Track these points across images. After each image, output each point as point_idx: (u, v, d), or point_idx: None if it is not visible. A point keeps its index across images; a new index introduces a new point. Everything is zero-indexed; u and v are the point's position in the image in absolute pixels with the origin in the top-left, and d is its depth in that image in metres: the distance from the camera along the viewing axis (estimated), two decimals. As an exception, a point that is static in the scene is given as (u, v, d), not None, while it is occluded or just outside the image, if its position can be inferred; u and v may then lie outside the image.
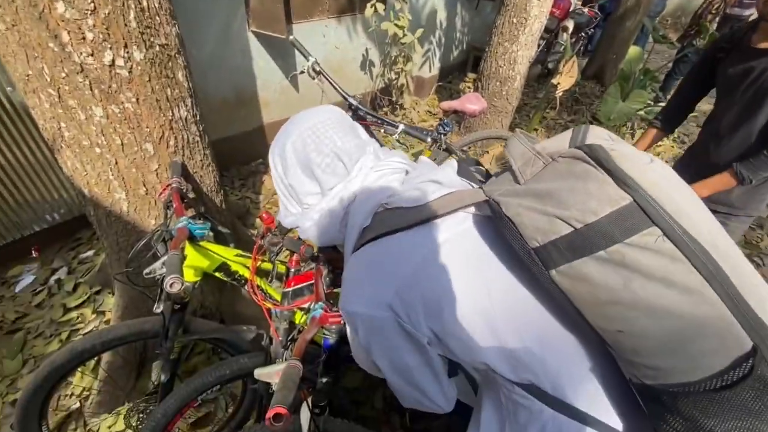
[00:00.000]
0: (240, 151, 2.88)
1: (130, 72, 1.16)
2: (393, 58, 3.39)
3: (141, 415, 1.26)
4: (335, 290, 1.37)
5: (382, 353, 0.68)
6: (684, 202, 0.51)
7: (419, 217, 0.64)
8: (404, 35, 2.99)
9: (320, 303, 0.95)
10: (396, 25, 2.94)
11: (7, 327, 1.77)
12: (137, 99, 1.21)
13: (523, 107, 4.20)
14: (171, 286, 0.75)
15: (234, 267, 1.20)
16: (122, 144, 1.25)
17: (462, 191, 0.69)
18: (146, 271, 0.89)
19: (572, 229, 0.51)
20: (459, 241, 0.64)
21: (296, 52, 2.85)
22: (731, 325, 0.46)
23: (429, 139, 1.91)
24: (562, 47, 4.37)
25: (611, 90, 2.97)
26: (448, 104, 1.90)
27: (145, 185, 1.35)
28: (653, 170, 0.52)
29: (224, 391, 1.61)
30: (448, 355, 0.68)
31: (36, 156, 1.95)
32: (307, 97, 3.14)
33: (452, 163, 0.78)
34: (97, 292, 1.89)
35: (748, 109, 1.30)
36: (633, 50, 3.99)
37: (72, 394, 1.54)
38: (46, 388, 1.08)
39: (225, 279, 1.21)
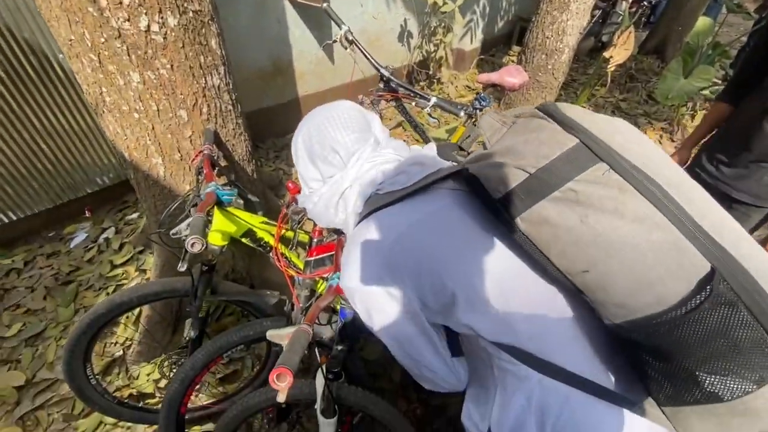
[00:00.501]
0: (275, 123, 2.91)
1: (164, 38, 1.18)
2: (432, 28, 3.25)
3: (173, 366, 1.35)
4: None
5: (383, 327, 0.71)
6: (636, 146, 0.55)
7: (403, 193, 0.71)
8: (444, 3, 2.84)
9: (338, 273, 0.96)
10: (436, -8, 2.80)
11: (62, 279, 1.95)
12: (171, 65, 1.24)
13: (570, 83, 3.93)
14: (192, 245, 0.78)
15: (259, 233, 1.23)
16: (158, 110, 1.29)
17: (442, 168, 0.76)
18: (172, 231, 0.93)
19: (527, 174, 0.55)
20: (443, 212, 0.69)
21: (332, 21, 2.82)
22: (686, 249, 0.47)
23: (462, 114, 1.83)
24: (620, 18, 4.00)
25: (672, 65, 2.70)
26: (486, 77, 1.80)
27: (179, 151, 1.40)
28: (604, 119, 0.58)
29: (250, 352, 1.70)
30: (437, 320, 0.72)
31: (87, 121, 2.08)
32: (342, 69, 3.10)
33: (431, 146, 0.88)
34: (140, 252, 2.02)
35: None
36: (702, 21, 3.57)
37: (116, 343, 1.68)
38: (89, 334, 1.18)
39: (251, 245, 1.25)
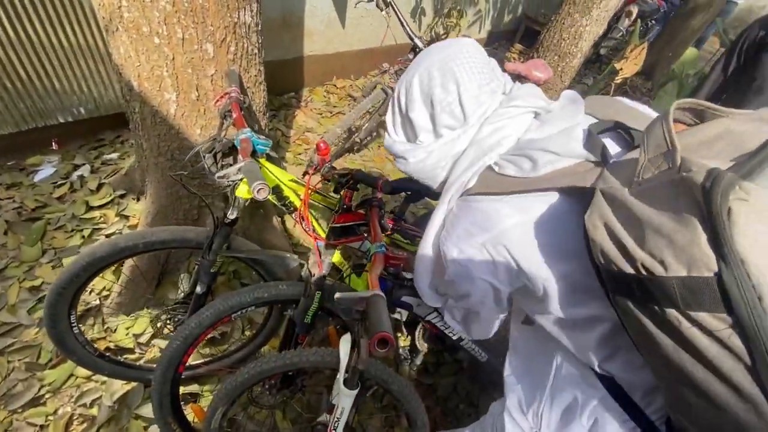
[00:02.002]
0: (276, 80, 2.72)
1: (206, -44, 1.05)
2: (447, 10, 3.18)
3: (168, 323, 1.25)
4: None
5: (463, 295, 0.72)
6: None
7: (519, 188, 0.61)
8: (469, -14, 2.78)
9: (382, 243, 0.92)
10: (463, -28, 2.72)
11: (26, 215, 1.73)
12: (207, -10, 1.10)
13: (571, 87, 4.03)
14: (258, 192, 0.70)
15: (286, 192, 1.15)
16: (183, 39, 1.15)
17: (576, 170, 0.60)
18: (219, 174, 0.84)
19: (632, 273, 0.44)
20: (547, 220, 0.59)
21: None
22: None
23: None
24: (620, 33, 4.13)
25: (668, 87, 2.83)
26: (513, 66, 1.79)
27: (197, 90, 1.27)
28: None
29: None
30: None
31: (72, 39, 1.82)
32: (353, 36, 2.96)
33: (580, 128, 0.64)
34: (122, 196, 1.83)
35: None
36: (690, 51, 3.78)
37: (92, 291, 1.53)
38: (82, 278, 1.06)
39: (274, 202, 1.17)
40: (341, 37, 2.92)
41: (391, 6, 1.69)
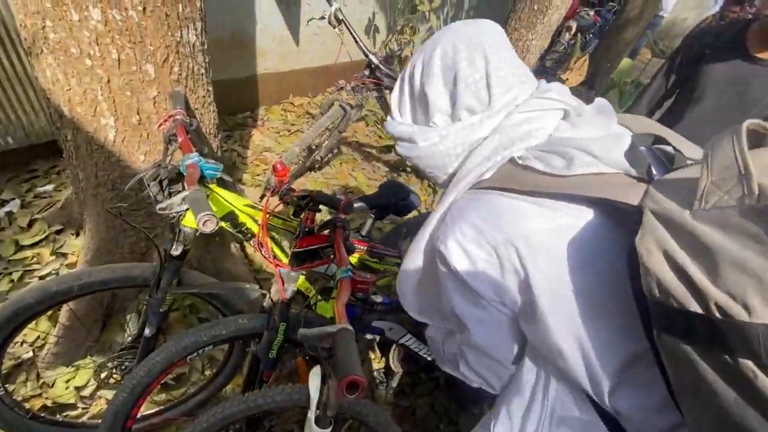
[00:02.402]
0: (228, 100, 2.64)
1: (141, -28, 0.98)
2: (400, 27, 3.23)
3: (115, 371, 1.12)
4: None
5: (464, 292, 0.61)
6: None
7: (546, 189, 0.53)
8: (421, 2, 2.84)
9: (348, 267, 0.87)
10: (413, -10, 2.78)
11: (-59, 258, 1.53)
12: (144, 8, 1.03)
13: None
14: (204, 224, 0.63)
15: (242, 218, 1.08)
16: (119, 60, 1.06)
17: (613, 180, 0.52)
18: (161, 205, 0.76)
19: (700, 313, 0.37)
20: (575, 232, 0.52)
21: (303, 0, 2.64)
22: None
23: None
24: (562, 47, 4.39)
25: (610, 95, 3.03)
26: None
27: (139, 114, 1.17)
28: None
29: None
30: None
31: (-8, 64, 1.66)
32: (307, 53, 2.93)
33: (626, 137, 0.58)
34: (58, 232, 1.66)
35: (732, 121, 1.31)
36: (625, 62, 4.08)
37: (23, 342, 1.35)
38: (7, 329, 0.92)
39: (229, 230, 1.09)
40: (295, 54, 2.88)
41: (344, 23, 1.68)
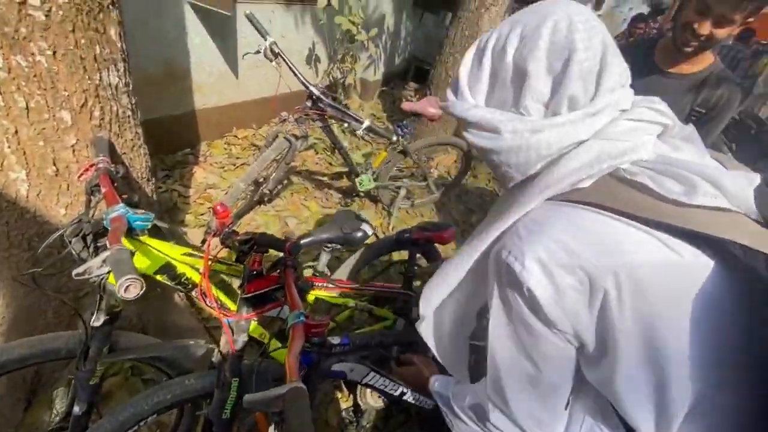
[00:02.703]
0: (165, 138, 2.51)
1: (47, 16, 0.90)
2: (341, 56, 3.29)
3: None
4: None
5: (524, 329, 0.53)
6: None
7: (658, 216, 0.46)
8: (358, 32, 2.91)
9: (301, 311, 0.82)
10: (350, 21, 2.85)
11: None
12: (54, 52, 0.95)
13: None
14: (126, 290, 0.57)
15: (181, 269, 1.00)
16: (27, 108, 0.97)
17: (740, 221, 0.47)
18: (77, 271, 0.67)
19: None
20: (684, 272, 0.46)
21: (238, 33, 2.61)
22: None
23: (395, 138, 1.85)
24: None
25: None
26: (410, 105, 1.87)
27: (55, 164, 1.07)
28: None
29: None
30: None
31: None
32: (247, 87, 2.88)
33: (756, 176, 0.51)
34: (-35, 301, 1.45)
35: None
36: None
37: None
38: None
39: (167, 283, 1.00)
40: (235, 87, 2.82)
41: (281, 56, 1.67)
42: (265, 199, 2.27)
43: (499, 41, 0.56)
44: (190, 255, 1.01)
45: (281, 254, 1.02)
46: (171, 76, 2.40)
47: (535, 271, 0.48)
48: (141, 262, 0.91)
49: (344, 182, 2.72)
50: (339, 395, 1.55)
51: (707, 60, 1.24)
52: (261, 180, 2.03)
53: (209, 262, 1.00)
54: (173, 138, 2.57)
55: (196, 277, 1.03)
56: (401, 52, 4.65)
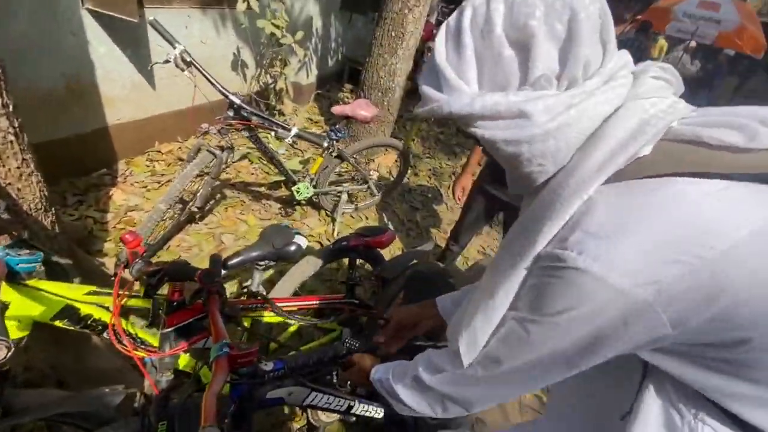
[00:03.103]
0: (74, 159, 2.26)
1: None
2: (269, 60, 3.17)
3: None
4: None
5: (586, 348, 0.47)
6: None
7: (738, 168, 0.42)
8: (283, 36, 2.82)
9: (224, 341, 0.76)
10: (273, 24, 2.75)
11: None
12: None
13: (398, 119, 4.44)
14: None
15: (85, 310, 0.89)
16: None
17: None
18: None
19: None
20: None
21: (150, 40, 2.41)
22: None
23: (325, 144, 1.81)
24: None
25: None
26: (340, 109, 1.83)
27: None
28: None
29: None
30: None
31: None
32: (167, 97, 2.68)
33: None
34: None
35: None
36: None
37: None
38: None
39: (70, 328, 0.88)
40: (153, 99, 2.61)
41: (193, 65, 1.56)
42: (196, 217, 2.13)
43: (477, 16, 0.48)
44: (96, 293, 0.90)
45: (204, 282, 0.95)
46: (74, 91, 2.16)
47: (620, 267, 0.41)
48: (31, 309, 0.79)
49: (283, 191, 2.62)
50: (289, 415, 1.49)
51: None
52: (188, 198, 1.90)
53: (120, 299, 0.90)
54: (84, 158, 2.32)
55: (106, 317, 0.92)
56: (333, 54, 4.60)
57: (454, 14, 0.52)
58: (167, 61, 1.52)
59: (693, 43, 6.32)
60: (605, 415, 0.64)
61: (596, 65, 0.46)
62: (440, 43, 0.52)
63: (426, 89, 0.53)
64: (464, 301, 0.70)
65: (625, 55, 0.49)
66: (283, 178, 2.26)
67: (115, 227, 2.03)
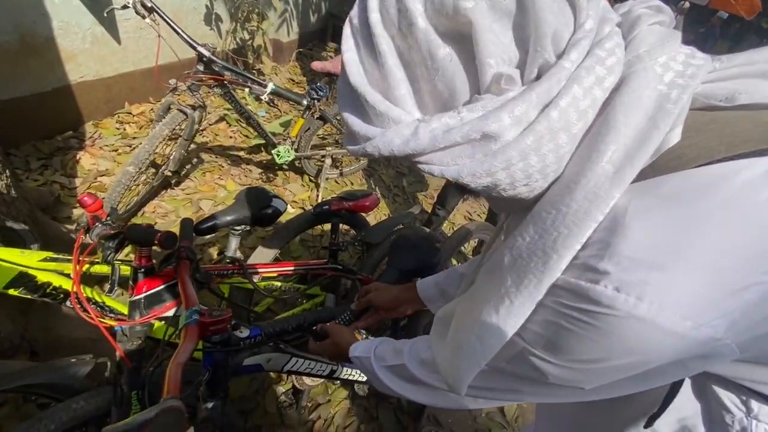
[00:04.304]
0: (35, 120, 2.10)
1: None
2: (245, 13, 2.95)
3: None
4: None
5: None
6: None
7: None
8: (258, -14, 2.61)
9: (194, 308, 0.71)
10: (246, -29, 2.53)
11: None
12: None
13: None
14: None
15: (42, 277, 0.83)
16: None
17: None
18: None
19: None
20: None
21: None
22: None
23: (305, 102, 1.70)
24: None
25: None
26: (321, 65, 1.72)
27: None
28: None
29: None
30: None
31: None
32: (135, 53, 2.48)
33: None
34: None
35: None
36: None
37: None
38: None
39: (29, 297, 0.82)
40: (120, 55, 2.42)
41: (155, 11, 1.41)
42: (172, 182, 2.03)
43: (387, 6, 0.34)
44: (54, 260, 0.84)
45: (177, 246, 0.89)
46: (29, 45, 1.96)
47: (699, 317, 0.31)
48: (-22, 277, 0.73)
49: (264, 155, 2.52)
50: (274, 379, 1.49)
51: None
52: (161, 161, 1.79)
53: (80, 265, 0.84)
54: (47, 120, 2.15)
55: (67, 285, 0.86)
56: (316, 9, 4.32)
57: (356, 6, 0.38)
58: (126, 7, 1.37)
59: (687, 4, 6.16)
60: (622, 422, 0.53)
61: (568, 31, 0.34)
62: (350, 53, 0.38)
63: (350, 121, 0.39)
64: (450, 308, 0.55)
65: (600, 1, 0.36)
66: (263, 141, 2.16)
67: (84, 193, 1.92)
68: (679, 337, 0.31)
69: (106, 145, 2.23)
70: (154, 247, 0.85)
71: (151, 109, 2.63)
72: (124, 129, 2.41)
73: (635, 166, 0.32)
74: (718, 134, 0.33)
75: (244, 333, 0.80)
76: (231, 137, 2.65)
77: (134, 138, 2.35)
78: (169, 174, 1.77)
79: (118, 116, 2.49)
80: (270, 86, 1.60)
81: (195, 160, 2.32)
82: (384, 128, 0.37)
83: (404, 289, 0.90)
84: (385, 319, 0.92)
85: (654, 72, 0.33)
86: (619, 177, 0.32)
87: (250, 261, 1.26)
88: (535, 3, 0.31)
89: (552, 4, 0.32)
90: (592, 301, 0.32)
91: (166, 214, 1.93)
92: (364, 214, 1.51)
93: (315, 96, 1.82)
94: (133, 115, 2.53)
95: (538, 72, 0.34)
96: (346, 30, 0.38)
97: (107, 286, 0.90)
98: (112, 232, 0.79)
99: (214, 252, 1.82)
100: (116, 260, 0.85)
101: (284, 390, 1.47)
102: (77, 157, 2.10)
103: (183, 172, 2.13)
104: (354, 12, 0.37)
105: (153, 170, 1.81)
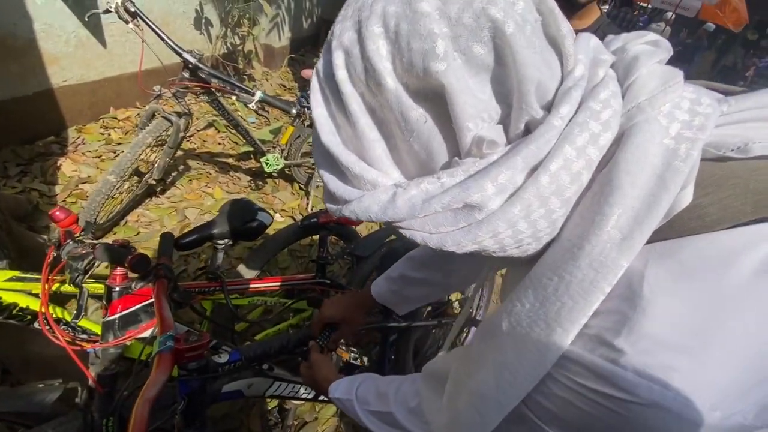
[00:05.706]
0: (15, 125, 2.03)
1: None
2: (236, 18, 2.92)
3: None
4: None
5: None
6: None
7: None
8: (249, -9, 2.58)
9: (169, 333, 0.67)
10: (237, -24, 2.50)
11: None
12: None
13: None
14: None
15: (8, 298, 0.78)
16: None
17: None
18: None
19: None
20: None
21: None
22: None
23: (294, 111, 1.67)
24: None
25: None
26: (311, 72, 1.68)
27: None
28: None
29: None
30: None
31: None
32: (119, 54, 2.43)
33: None
34: None
35: None
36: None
37: None
38: None
39: (-8, 319, 0.77)
40: (105, 58, 2.37)
41: (139, 17, 1.37)
42: (158, 190, 1.98)
43: (353, 64, 0.31)
44: (20, 279, 0.79)
45: (155, 263, 0.85)
46: (8, 47, 1.91)
47: (731, 407, 0.27)
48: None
49: (253, 163, 2.47)
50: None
51: (594, 14, 1.29)
52: (145, 169, 1.74)
53: (50, 284, 0.79)
54: (27, 124, 2.09)
55: (35, 305, 0.81)
56: (308, 14, 4.30)
57: (321, 59, 0.34)
58: (108, 11, 1.32)
59: (672, 15, 6.28)
60: None
61: (555, 81, 0.31)
62: (319, 108, 0.35)
63: (326, 179, 0.36)
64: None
65: (590, 40, 0.33)
66: (252, 149, 2.12)
67: (65, 201, 1.85)
68: (708, 428, 0.28)
69: (89, 151, 2.17)
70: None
71: (138, 114, 2.58)
72: (109, 134, 2.35)
73: (644, 233, 0.28)
74: (742, 191, 0.29)
75: (223, 358, 0.75)
76: (219, 144, 2.60)
77: (119, 144, 2.29)
78: (154, 182, 1.72)
79: (103, 121, 2.43)
80: (258, 94, 1.57)
81: (181, 167, 2.27)
82: (361, 190, 0.34)
83: (353, 294, 0.85)
84: (345, 329, 0.85)
85: (658, 124, 0.30)
86: (628, 244, 0.28)
87: (235, 274, 1.22)
88: (515, 57, 0.28)
89: (534, 56, 0.29)
90: (610, 383, 0.28)
91: (150, 223, 1.87)
92: (354, 227, 1.48)
93: (305, 104, 1.78)
94: (119, 120, 2.47)
95: (523, 129, 0.31)
96: (314, 83, 0.35)
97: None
98: (82, 252, 0.74)
99: (198, 263, 1.77)
100: (88, 279, 0.80)
101: (269, 408, 1.42)
102: (58, 164, 2.04)
103: (168, 180, 2.08)
104: (320, 65, 0.35)
105: (137, 178, 1.75)
